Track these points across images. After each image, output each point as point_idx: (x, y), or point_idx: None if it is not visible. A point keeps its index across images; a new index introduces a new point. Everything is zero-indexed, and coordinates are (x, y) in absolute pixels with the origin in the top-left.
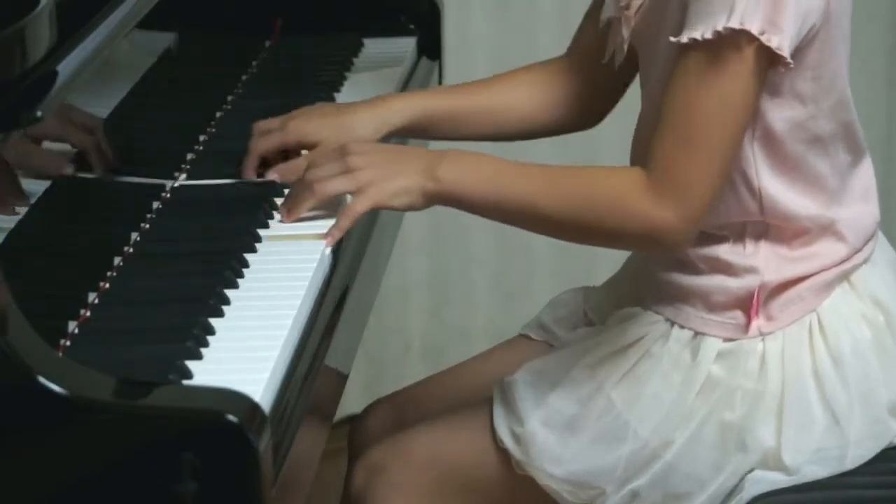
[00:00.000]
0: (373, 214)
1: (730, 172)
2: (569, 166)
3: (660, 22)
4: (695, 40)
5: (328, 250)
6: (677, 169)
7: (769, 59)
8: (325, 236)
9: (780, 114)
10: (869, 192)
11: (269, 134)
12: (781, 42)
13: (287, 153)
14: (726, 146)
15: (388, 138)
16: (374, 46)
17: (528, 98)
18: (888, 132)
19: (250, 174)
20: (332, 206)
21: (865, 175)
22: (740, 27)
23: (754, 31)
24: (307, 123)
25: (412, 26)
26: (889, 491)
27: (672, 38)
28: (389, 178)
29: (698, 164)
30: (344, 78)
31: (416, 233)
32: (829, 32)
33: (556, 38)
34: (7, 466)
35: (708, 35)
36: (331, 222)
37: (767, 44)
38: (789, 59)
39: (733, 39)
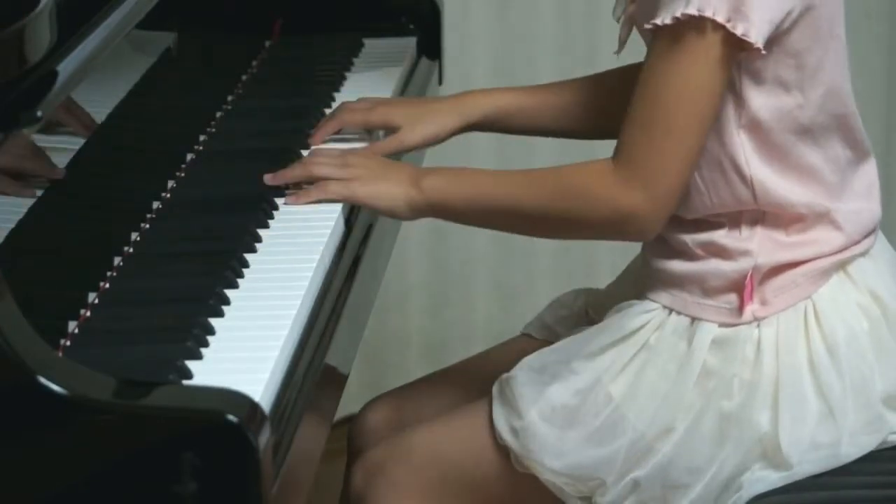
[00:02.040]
0: (374, 214)
1: (698, 158)
2: (544, 167)
3: (649, 14)
4: (656, 26)
5: (328, 251)
6: (640, 153)
7: (737, 47)
8: (291, 196)
9: (764, 101)
10: (871, 191)
11: (355, 111)
12: (748, 29)
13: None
14: (690, 131)
15: (465, 131)
16: (374, 46)
17: (596, 100)
18: (887, 131)
19: (319, 139)
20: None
21: (869, 174)
22: (698, 14)
23: (719, 18)
24: (394, 108)
25: (412, 26)
26: (888, 491)
27: (646, 26)
28: (376, 180)
29: (661, 148)
30: (344, 78)
31: (416, 233)
32: (813, 21)
33: (555, 38)
34: (7, 466)
35: (667, 21)
36: (330, 220)
37: (733, 31)
38: (758, 46)
39: (697, 26)
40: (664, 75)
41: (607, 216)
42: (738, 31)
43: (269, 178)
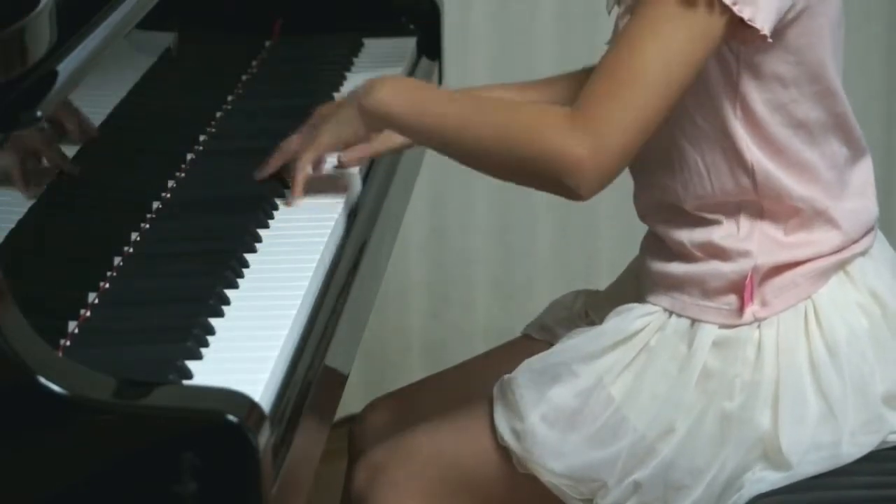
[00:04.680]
0: (373, 214)
1: (655, 127)
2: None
3: None
4: None
5: (328, 251)
6: (601, 103)
7: (734, 30)
8: (287, 202)
9: (760, 95)
10: (867, 188)
11: (353, 148)
12: (755, 14)
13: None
14: (655, 97)
15: None
16: (374, 46)
17: (571, 96)
18: (887, 132)
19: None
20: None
21: (865, 171)
22: None
23: (726, 0)
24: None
25: (412, 26)
26: (888, 491)
27: None
28: (332, 120)
29: (623, 104)
30: (344, 78)
31: (416, 233)
32: (814, 18)
33: (555, 38)
34: (7, 466)
35: None
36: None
37: (740, 14)
38: (764, 32)
39: (703, 2)
40: (647, 34)
41: (549, 160)
42: (745, 15)
43: (257, 176)
